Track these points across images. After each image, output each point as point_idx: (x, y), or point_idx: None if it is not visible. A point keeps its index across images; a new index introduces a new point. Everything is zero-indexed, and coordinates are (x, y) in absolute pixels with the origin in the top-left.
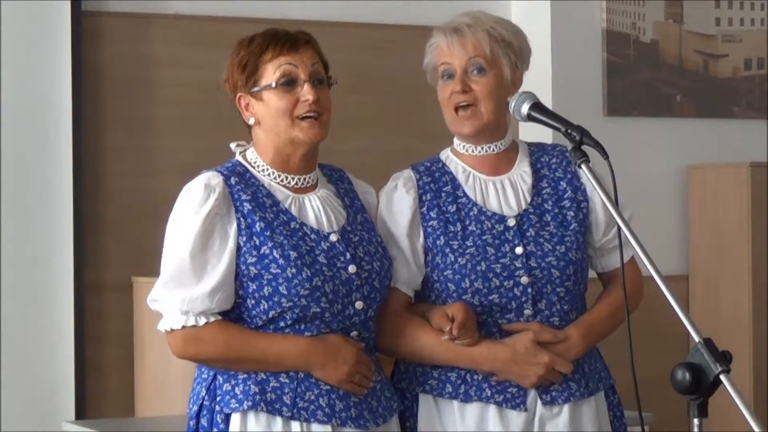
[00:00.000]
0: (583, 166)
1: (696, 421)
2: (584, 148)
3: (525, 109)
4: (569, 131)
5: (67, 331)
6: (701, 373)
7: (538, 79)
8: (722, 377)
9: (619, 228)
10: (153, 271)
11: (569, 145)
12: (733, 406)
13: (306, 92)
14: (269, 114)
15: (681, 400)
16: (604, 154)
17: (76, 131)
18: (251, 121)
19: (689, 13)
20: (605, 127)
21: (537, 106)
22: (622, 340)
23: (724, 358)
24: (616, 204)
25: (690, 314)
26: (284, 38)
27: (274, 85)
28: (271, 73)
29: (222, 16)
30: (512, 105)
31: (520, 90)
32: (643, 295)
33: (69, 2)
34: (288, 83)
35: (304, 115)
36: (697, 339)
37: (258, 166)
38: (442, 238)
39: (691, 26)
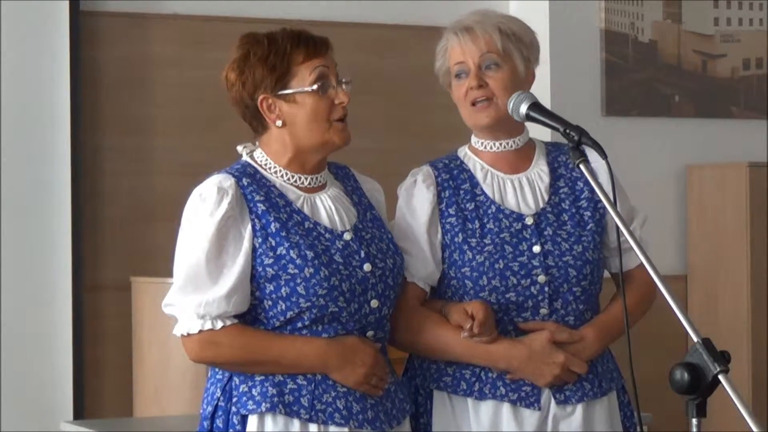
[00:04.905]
0: (581, 166)
1: (694, 421)
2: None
3: (523, 108)
4: (568, 131)
5: (66, 331)
6: (700, 373)
7: (537, 79)
8: (721, 377)
9: (618, 228)
10: (151, 270)
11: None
12: (732, 406)
13: (341, 95)
14: (304, 116)
15: (680, 400)
16: (603, 154)
17: (74, 131)
18: (278, 123)
19: (688, 13)
20: (604, 127)
21: (535, 105)
22: (621, 341)
23: (723, 358)
24: (614, 204)
25: (688, 314)
26: (314, 40)
27: (314, 88)
28: (306, 75)
29: (220, 16)
30: (510, 105)
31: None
32: (656, 297)
33: (67, 2)
34: (323, 87)
35: (338, 118)
36: (695, 339)
37: (268, 167)
38: (460, 235)
39: (689, 26)
